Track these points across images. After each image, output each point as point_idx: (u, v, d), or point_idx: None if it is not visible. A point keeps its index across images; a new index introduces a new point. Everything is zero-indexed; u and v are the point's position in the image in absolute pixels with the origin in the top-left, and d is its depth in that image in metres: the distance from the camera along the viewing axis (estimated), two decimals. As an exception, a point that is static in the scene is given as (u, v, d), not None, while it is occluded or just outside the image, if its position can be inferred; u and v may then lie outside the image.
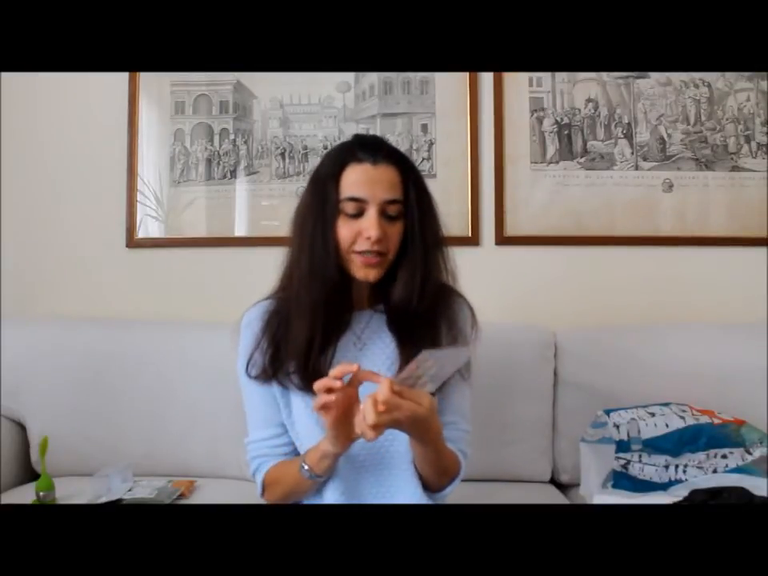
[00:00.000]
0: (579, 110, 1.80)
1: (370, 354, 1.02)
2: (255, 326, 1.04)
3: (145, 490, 1.42)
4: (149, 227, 1.84)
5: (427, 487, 0.98)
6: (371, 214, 0.94)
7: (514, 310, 1.67)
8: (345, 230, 0.95)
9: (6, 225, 1.84)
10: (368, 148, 0.98)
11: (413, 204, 0.97)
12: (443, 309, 1.02)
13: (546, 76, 1.80)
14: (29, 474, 1.60)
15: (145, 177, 1.83)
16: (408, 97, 1.81)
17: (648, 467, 1.36)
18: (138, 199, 1.83)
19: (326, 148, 1.81)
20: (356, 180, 0.96)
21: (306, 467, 0.91)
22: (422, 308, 0.98)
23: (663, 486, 1.35)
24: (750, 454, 1.35)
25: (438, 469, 0.96)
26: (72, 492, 1.42)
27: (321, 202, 0.97)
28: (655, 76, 1.79)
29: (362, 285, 1.01)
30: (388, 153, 0.99)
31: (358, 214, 0.95)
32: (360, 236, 0.95)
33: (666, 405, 1.44)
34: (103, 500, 1.35)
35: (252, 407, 1.06)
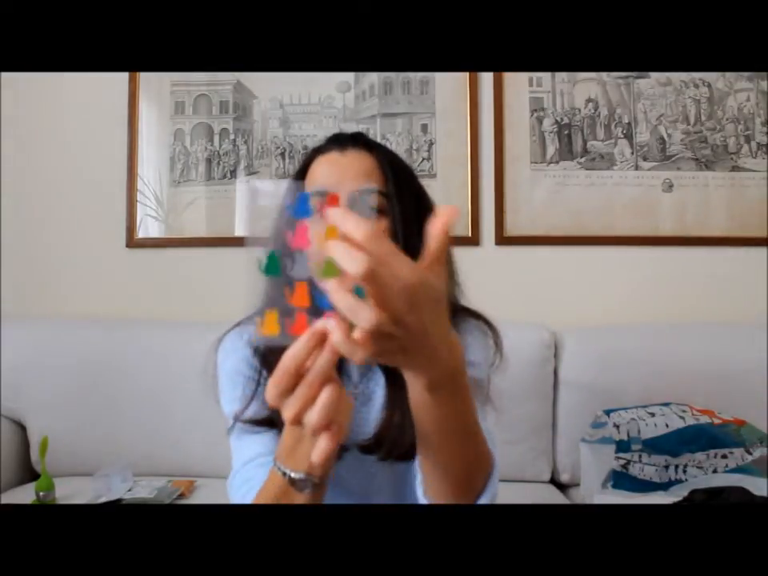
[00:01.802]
0: (579, 110, 1.80)
1: (372, 408, 0.82)
2: (248, 354, 0.81)
3: (145, 490, 1.42)
4: (149, 227, 1.84)
5: (457, 495, 0.65)
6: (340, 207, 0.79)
7: (514, 310, 1.67)
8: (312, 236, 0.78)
9: (5, 225, 1.84)
10: (337, 138, 0.85)
11: (392, 196, 0.78)
12: None
13: (545, 76, 1.80)
14: (29, 473, 1.60)
15: (145, 177, 1.83)
16: (408, 97, 1.81)
17: (648, 467, 1.36)
18: (138, 199, 1.83)
19: (325, 148, 1.81)
20: (321, 172, 0.80)
21: (283, 468, 0.62)
22: None
23: (663, 486, 1.36)
24: (750, 453, 1.35)
25: (470, 449, 0.62)
26: (72, 492, 1.42)
27: (285, 211, 0.84)
28: (655, 76, 1.79)
29: None
30: (359, 140, 0.83)
31: None
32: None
33: (666, 405, 1.44)
34: (103, 500, 1.35)
35: (239, 439, 0.79)
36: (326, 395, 0.48)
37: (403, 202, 0.79)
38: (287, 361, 0.48)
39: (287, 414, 0.49)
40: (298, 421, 0.49)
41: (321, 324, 0.48)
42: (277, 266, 0.47)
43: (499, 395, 0.84)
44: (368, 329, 0.44)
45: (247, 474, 0.74)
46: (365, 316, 0.44)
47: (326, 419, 0.48)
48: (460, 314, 0.84)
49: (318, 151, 0.83)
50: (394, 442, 0.72)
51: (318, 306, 0.47)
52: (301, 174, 0.83)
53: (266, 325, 0.48)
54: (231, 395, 0.81)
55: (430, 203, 0.85)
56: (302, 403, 0.48)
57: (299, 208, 0.48)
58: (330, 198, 0.49)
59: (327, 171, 0.80)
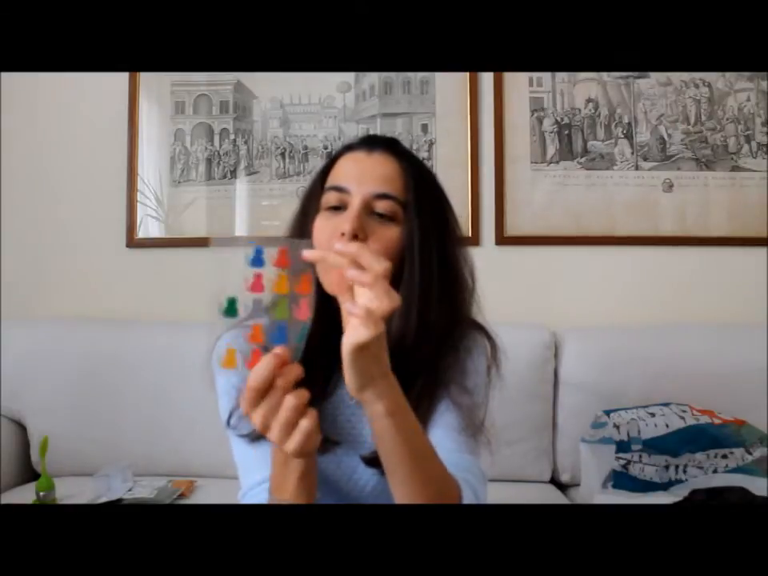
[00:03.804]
0: (579, 110, 1.80)
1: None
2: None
3: (145, 490, 1.42)
4: (149, 227, 1.84)
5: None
6: (352, 206, 0.75)
7: (515, 311, 1.67)
8: (322, 229, 0.77)
9: (6, 225, 1.84)
10: (368, 139, 0.84)
11: (410, 206, 0.77)
12: (450, 351, 0.81)
13: (546, 76, 1.80)
14: (29, 473, 1.60)
15: (145, 177, 1.83)
16: (408, 97, 1.81)
17: (648, 467, 1.36)
18: (138, 199, 1.83)
19: (326, 148, 1.81)
20: (343, 169, 0.80)
21: (277, 500, 0.67)
22: (424, 353, 0.76)
23: (663, 486, 1.36)
24: (750, 454, 1.35)
25: (422, 477, 0.65)
26: (72, 492, 1.42)
27: (304, 201, 0.84)
28: (655, 76, 1.79)
29: None
30: (391, 145, 0.82)
31: (340, 208, 0.77)
32: (335, 235, 0.73)
33: (666, 405, 1.44)
34: (103, 500, 1.35)
35: (243, 455, 0.81)
36: (288, 401, 0.57)
37: (422, 214, 0.78)
38: (251, 380, 0.57)
39: (255, 421, 0.58)
40: (265, 427, 0.58)
41: (279, 349, 0.57)
42: (235, 309, 0.58)
43: (496, 434, 0.83)
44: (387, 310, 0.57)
45: (256, 498, 0.76)
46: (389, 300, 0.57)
47: (290, 420, 0.57)
48: (464, 328, 0.84)
49: (348, 148, 0.83)
50: None
51: (270, 343, 0.57)
52: (328, 166, 0.83)
53: (226, 360, 0.58)
54: (226, 407, 0.83)
55: (452, 220, 0.84)
56: (265, 411, 0.57)
57: (254, 259, 0.57)
58: (280, 252, 0.58)
59: (348, 169, 0.79)
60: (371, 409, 0.62)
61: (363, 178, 0.77)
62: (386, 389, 0.61)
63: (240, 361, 0.57)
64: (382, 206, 0.76)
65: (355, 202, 0.75)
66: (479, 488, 0.72)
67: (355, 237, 0.73)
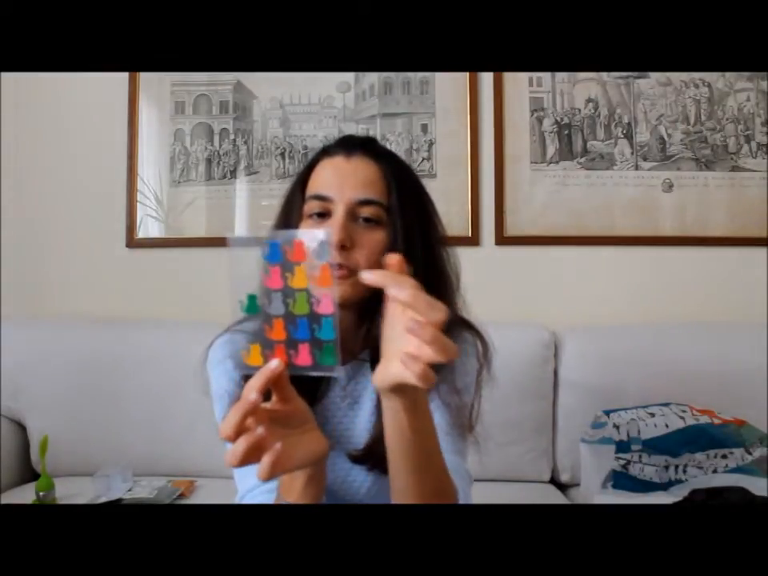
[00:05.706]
0: (579, 110, 1.80)
1: (359, 410, 0.83)
2: (229, 367, 0.82)
3: (145, 490, 1.42)
4: (149, 227, 1.84)
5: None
6: (337, 215, 0.75)
7: (514, 310, 1.67)
8: None
9: (6, 225, 1.84)
10: (344, 141, 0.83)
11: (394, 208, 0.77)
12: None
13: (545, 76, 1.80)
14: (29, 473, 1.60)
15: (145, 177, 1.83)
16: (408, 97, 1.81)
17: (648, 467, 1.37)
18: (138, 199, 1.83)
19: (325, 148, 1.82)
20: (324, 176, 0.79)
21: (285, 501, 0.67)
22: None
23: (663, 486, 1.36)
24: (750, 454, 1.35)
25: (431, 474, 0.66)
26: (72, 492, 1.42)
27: (285, 208, 0.83)
28: (655, 76, 1.79)
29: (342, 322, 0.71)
30: (369, 147, 0.81)
31: (324, 216, 0.77)
32: None
33: (666, 405, 1.44)
34: (103, 500, 1.35)
35: None
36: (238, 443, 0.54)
37: (406, 215, 0.78)
38: (221, 429, 0.55)
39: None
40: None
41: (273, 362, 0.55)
42: (256, 305, 0.55)
43: (485, 434, 0.83)
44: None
45: (253, 502, 0.76)
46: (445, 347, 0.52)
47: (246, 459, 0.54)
48: (454, 327, 0.82)
49: (326, 152, 0.82)
50: (384, 452, 0.72)
51: (294, 338, 0.55)
52: (306, 172, 0.82)
53: (251, 357, 0.56)
54: (220, 413, 0.82)
55: (435, 219, 0.84)
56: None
57: (271, 254, 0.55)
58: (296, 245, 0.55)
59: (329, 176, 0.78)
60: (389, 403, 0.60)
61: (345, 184, 0.77)
62: (408, 387, 0.57)
63: (264, 358, 0.55)
64: (366, 212, 0.76)
65: (339, 210, 0.75)
66: (466, 489, 0.73)
67: (342, 246, 0.73)
